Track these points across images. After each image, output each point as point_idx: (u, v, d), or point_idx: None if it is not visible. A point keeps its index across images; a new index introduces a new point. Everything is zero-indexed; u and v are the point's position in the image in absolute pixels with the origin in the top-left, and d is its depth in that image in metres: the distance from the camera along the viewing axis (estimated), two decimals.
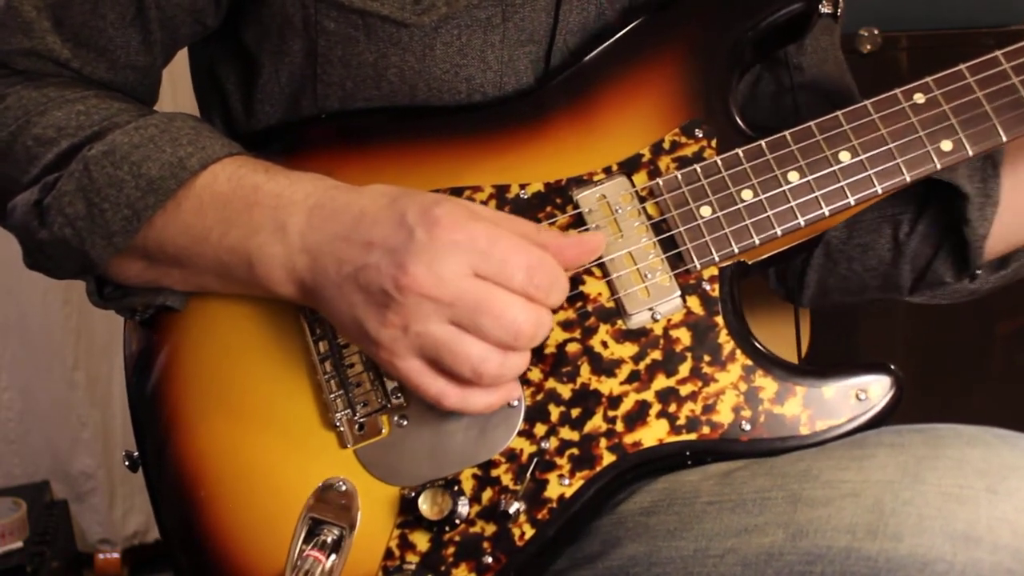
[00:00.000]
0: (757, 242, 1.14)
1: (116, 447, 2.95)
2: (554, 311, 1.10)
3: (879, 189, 1.15)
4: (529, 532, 1.11)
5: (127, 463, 1.21)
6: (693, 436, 1.12)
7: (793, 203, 1.15)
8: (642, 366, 1.13)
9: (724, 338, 1.14)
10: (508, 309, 1.01)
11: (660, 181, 1.16)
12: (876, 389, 1.13)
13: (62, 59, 1.19)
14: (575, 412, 1.13)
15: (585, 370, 1.14)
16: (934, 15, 2.26)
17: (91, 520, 2.99)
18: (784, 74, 1.37)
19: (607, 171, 1.18)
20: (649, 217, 1.16)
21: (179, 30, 1.22)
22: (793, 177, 1.15)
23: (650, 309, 1.14)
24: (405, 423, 1.13)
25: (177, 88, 1.38)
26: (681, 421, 1.12)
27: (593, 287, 1.15)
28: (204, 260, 1.13)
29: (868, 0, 2.25)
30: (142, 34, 1.20)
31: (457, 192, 1.17)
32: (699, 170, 1.16)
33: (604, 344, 1.14)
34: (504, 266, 1.01)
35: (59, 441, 2.96)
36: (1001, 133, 1.16)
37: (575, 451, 1.12)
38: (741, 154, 1.16)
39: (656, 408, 1.13)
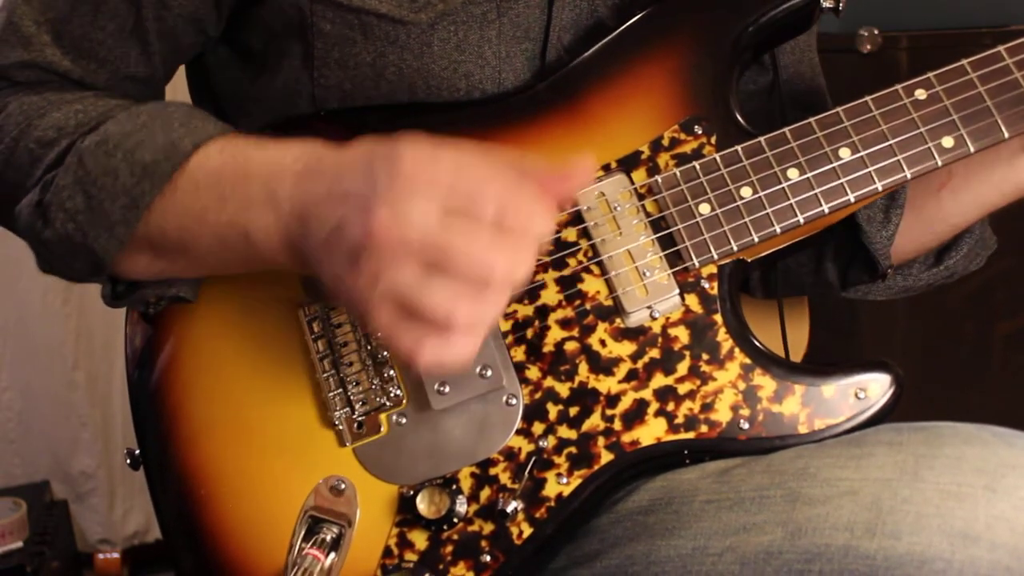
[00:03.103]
0: (756, 240, 1.14)
1: (116, 447, 2.96)
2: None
3: (879, 186, 1.15)
4: (527, 530, 1.11)
5: (128, 461, 1.21)
6: (691, 435, 1.12)
7: (792, 200, 1.14)
8: (640, 364, 1.13)
9: (723, 336, 1.14)
10: (479, 246, 0.93)
11: (659, 178, 1.16)
12: (875, 387, 1.13)
13: (62, 70, 1.19)
14: (573, 411, 1.13)
15: (583, 368, 1.13)
16: (934, 15, 2.26)
17: (91, 520, 2.99)
18: (761, 73, 1.37)
19: (606, 168, 1.17)
20: (648, 215, 1.16)
21: (180, 40, 1.22)
22: (793, 174, 1.15)
23: (648, 307, 1.14)
24: (404, 421, 1.13)
25: (176, 92, 1.38)
26: (679, 420, 1.12)
27: (591, 285, 1.15)
28: (205, 240, 1.10)
29: (868, 0, 2.25)
30: (141, 45, 1.20)
31: None
32: (698, 167, 1.16)
33: (602, 342, 1.14)
34: (472, 199, 0.94)
35: (59, 441, 2.96)
36: (1003, 129, 1.15)
37: (573, 450, 1.12)
38: (740, 151, 1.16)
39: (654, 407, 1.12)
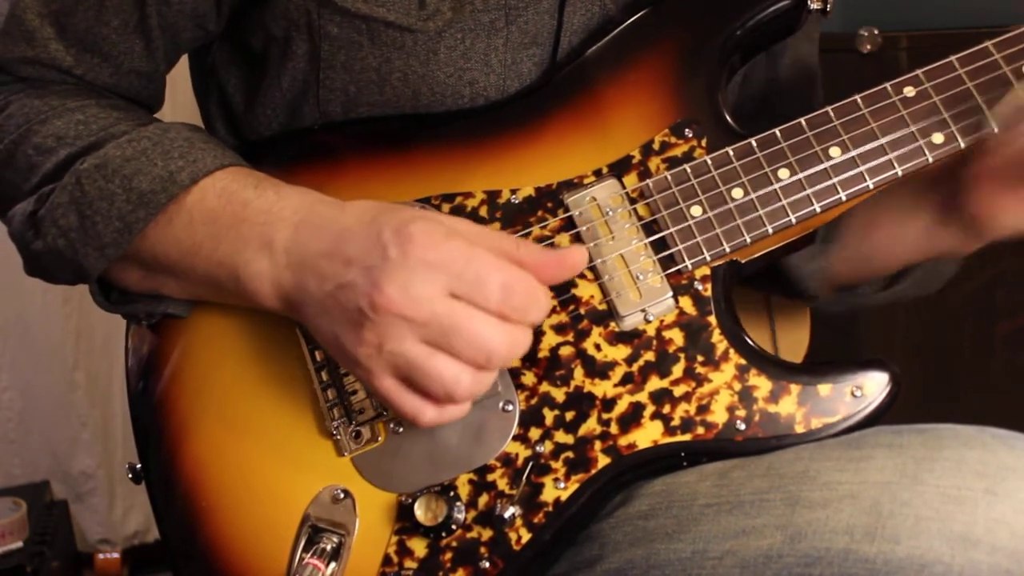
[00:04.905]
0: (748, 241, 1.14)
1: (116, 447, 2.96)
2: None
3: (870, 184, 1.15)
4: (526, 536, 1.11)
5: (130, 475, 1.21)
6: (688, 437, 1.12)
7: (784, 201, 1.15)
8: (635, 368, 1.13)
9: (717, 338, 1.14)
10: (482, 330, 0.99)
11: (650, 182, 1.16)
12: (872, 386, 1.13)
13: (65, 66, 1.19)
14: (569, 415, 1.13)
15: (579, 373, 1.14)
16: (934, 15, 2.26)
17: (91, 520, 2.99)
18: (762, 78, 1.37)
19: (597, 173, 1.17)
20: (640, 218, 1.16)
21: (181, 35, 1.22)
22: (783, 174, 1.15)
23: (642, 310, 1.14)
24: (401, 430, 1.13)
25: (177, 91, 1.38)
26: (675, 422, 1.12)
27: (585, 290, 1.15)
28: (196, 273, 1.13)
29: (868, 0, 2.25)
30: (144, 41, 1.20)
31: (449, 198, 1.17)
32: (689, 170, 1.16)
33: (597, 347, 1.14)
34: (479, 286, 0.99)
35: (59, 441, 2.96)
36: (993, 124, 1.15)
37: (570, 454, 1.12)
38: (731, 153, 1.16)
39: (650, 409, 1.13)
